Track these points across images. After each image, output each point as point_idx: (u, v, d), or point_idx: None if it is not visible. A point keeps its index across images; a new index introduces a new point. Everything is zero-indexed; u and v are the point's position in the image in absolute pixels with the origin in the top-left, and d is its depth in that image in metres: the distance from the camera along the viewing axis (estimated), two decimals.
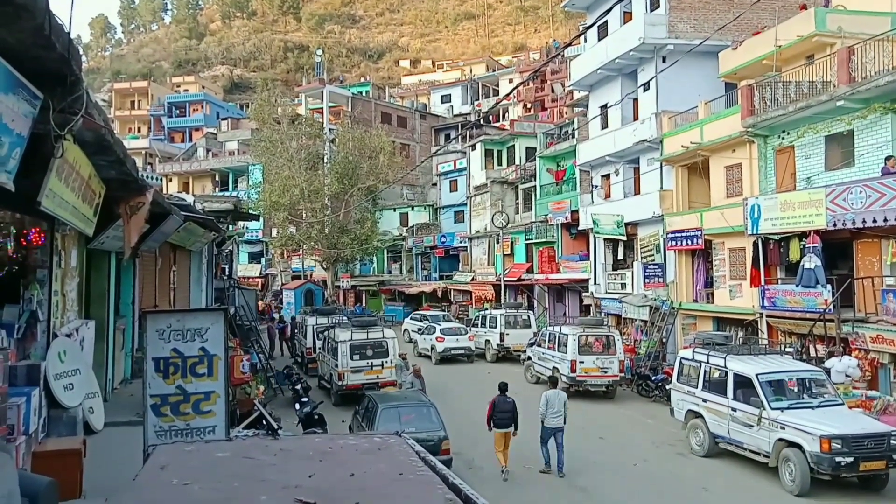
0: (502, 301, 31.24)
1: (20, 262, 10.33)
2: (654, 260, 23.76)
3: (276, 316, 34.55)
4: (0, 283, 10.16)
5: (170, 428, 7.75)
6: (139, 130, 75.32)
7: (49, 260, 10.47)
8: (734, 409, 12.46)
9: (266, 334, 27.01)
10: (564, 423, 12.04)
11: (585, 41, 29.12)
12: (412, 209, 46.69)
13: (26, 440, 8.20)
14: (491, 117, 58.70)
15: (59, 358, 10.12)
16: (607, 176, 27.90)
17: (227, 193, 47.70)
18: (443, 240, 42.01)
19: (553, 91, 57.17)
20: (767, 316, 17.89)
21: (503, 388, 12.43)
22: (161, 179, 56.35)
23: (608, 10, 10.48)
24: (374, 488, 2.98)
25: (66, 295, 11.53)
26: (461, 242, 40.74)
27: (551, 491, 11.18)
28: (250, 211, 33.01)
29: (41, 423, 9.31)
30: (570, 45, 19.42)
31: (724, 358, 13.03)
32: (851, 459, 10.54)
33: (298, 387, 15.84)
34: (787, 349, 15.22)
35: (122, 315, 16.21)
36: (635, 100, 25.32)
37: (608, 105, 26.61)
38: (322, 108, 51.19)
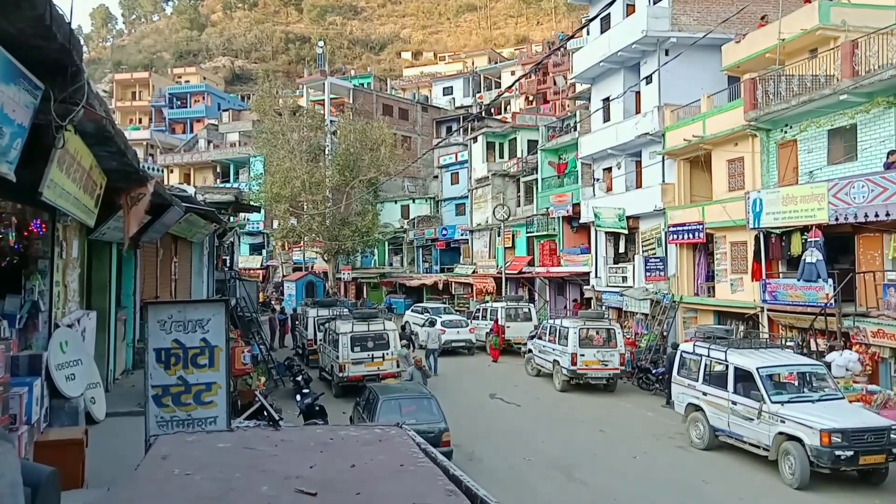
0: (503, 294, 31.26)
1: (22, 253, 10.34)
2: (655, 253, 23.75)
3: (278, 308, 34.59)
4: (2, 273, 10.18)
5: (171, 418, 7.77)
6: (140, 121, 75.21)
7: (50, 250, 10.48)
8: (734, 403, 12.48)
9: (268, 326, 27.05)
10: (437, 347, 20.90)
11: (588, 34, 28.99)
12: (413, 201, 46.65)
13: (28, 430, 8.23)
14: (493, 110, 58.56)
15: (60, 348, 10.15)
16: (609, 169, 27.85)
17: (228, 185, 47.65)
18: (444, 232, 41.99)
19: (555, 84, 57.03)
20: (768, 310, 17.90)
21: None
22: (162, 171, 56.37)
23: (611, 3, 10.44)
24: (374, 479, 2.98)
25: (68, 285, 11.55)
26: (462, 235, 40.72)
27: (551, 483, 11.22)
28: (251, 202, 33.04)
29: (43, 413, 9.35)
30: (572, 37, 19.34)
31: (725, 351, 13.04)
32: (851, 453, 10.56)
33: (299, 378, 15.84)
34: (788, 343, 15.25)
35: (124, 306, 16.24)
36: (638, 93, 25.24)
37: (610, 98, 26.50)
38: (323, 100, 51.09)
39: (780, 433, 11.38)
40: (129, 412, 11.70)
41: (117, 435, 10.47)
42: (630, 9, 25.02)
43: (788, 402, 11.69)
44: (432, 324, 21.46)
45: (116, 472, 7.62)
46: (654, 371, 19.19)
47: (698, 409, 13.51)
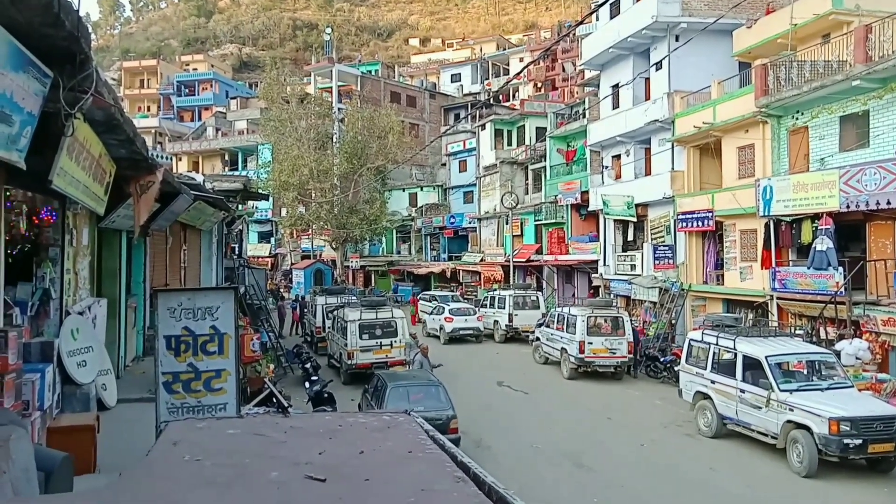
0: (511, 282, 31.25)
1: (33, 241, 10.40)
2: (664, 241, 23.65)
3: (287, 296, 34.70)
4: (13, 260, 10.25)
5: (181, 405, 7.84)
6: (149, 109, 75.38)
7: (61, 238, 10.54)
8: (743, 391, 12.46)
9: (276, 313, 27.19)
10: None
11: (597, 19, 28.74)
12: (421, 189, 46.61)
13: (41, 416, 8.31)
14: (501, 97, 58.29)
15: (71, 335, 10.23)
16: (618, 156, 27.70)
17: (236, 173, 47.74)
18: (452, 220, 41.95)
19: (564, 70, 56.63)
20: (778, 298, 17.82)
21: None
22: (171, 158, 56.38)
23: None
24: (383, 466, 3.00)
25: (78, 273, 11.62)
26: (470, 223, 40.68)
27: (558, 470, 11.26)
28: (260, 190, 33.03)
29: (55, 400, 9.43)
30: (581, 23, 19.18)
31: (734, 340, 13.01)
32: (860, 441, 10.54)
33: (308, 365, 15.92)
34: (798, 331, 15.19)
35: (134, 293, 16.33)
36: (647, 79, 25.03)
37: (620, 84, 26.32)
38: (331, 88, 50.99)
39: (789, 421, 11.37)
40: (139, 399, 11.79)
41: (128, 421, 10.56)
42: None
43: (797, 390, 11.66)
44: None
45: (128, 457, 7.68)
46: (661, 359, 19.18)
47: (706, 397, 13.50)
